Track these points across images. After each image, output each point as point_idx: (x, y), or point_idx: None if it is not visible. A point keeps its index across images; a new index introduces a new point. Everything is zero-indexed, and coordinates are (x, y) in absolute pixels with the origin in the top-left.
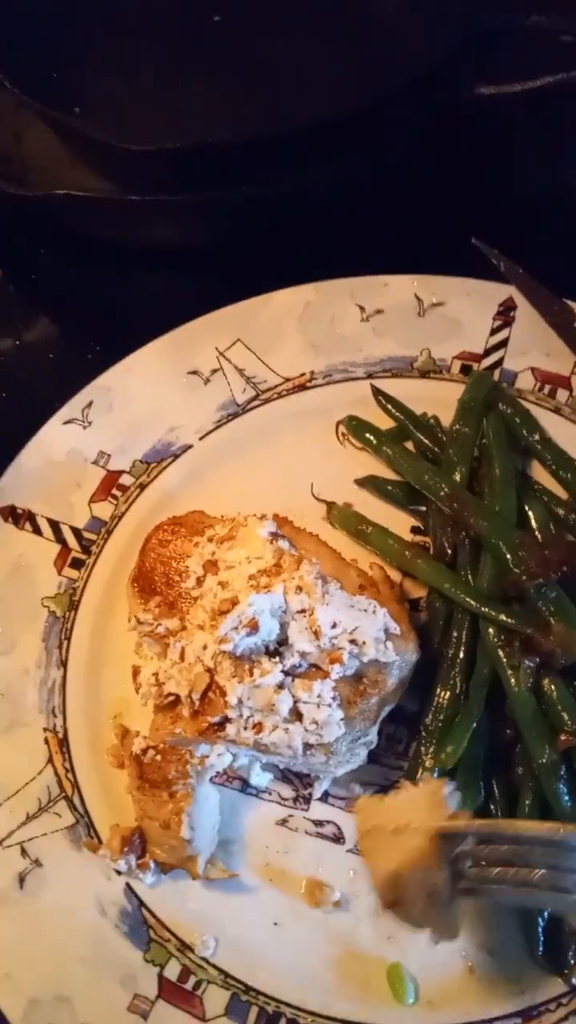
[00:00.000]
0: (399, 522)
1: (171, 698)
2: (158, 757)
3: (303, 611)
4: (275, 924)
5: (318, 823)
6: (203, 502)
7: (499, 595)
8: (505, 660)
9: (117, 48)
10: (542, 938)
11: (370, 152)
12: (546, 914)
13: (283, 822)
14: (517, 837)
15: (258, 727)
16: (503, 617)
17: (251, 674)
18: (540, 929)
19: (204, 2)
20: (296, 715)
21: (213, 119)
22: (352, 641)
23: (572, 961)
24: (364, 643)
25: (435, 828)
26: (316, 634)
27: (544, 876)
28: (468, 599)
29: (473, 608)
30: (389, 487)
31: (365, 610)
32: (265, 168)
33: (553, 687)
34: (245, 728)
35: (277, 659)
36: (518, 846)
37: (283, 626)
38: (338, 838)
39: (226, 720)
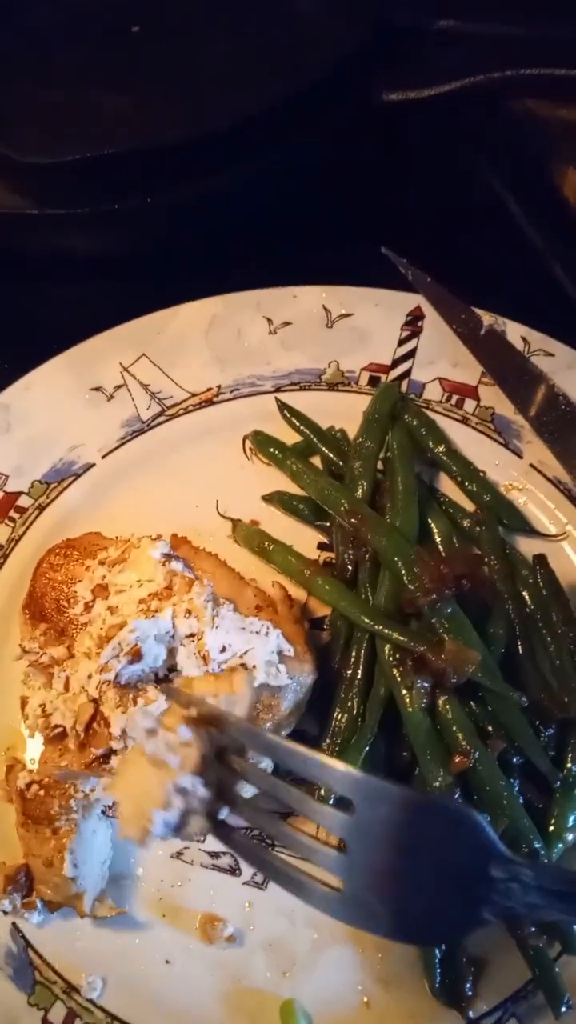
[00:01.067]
0: (307, 539)
1: (58, 730)
2: (41, 792)
3: (192, 635)
4: (167, 962)
5: (214, 855)
6: (105, 523)
7: (397, 613)
8: (399, 679)
9: (28, 61)
10: (439, 970)
11: (278, 161)
12: (444, 946)
13: (178, 855)
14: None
15: None
16: (396, 635)
17: (135, 703)
18: (437, 961)
19: (123, 14)
20: None
21: (116, 129)
22: (242, 665)
23: (469, 993)
24: (255, 667)
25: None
26: (204, 659)
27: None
28: (363, 617)
29: (367, 626)
30: (295, 503)
31: (257, 632)
32: (168, 177)
33: (448, 707)
34: None
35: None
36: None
37: (171, 652)
38: (234, 870)
39: (111, 752)
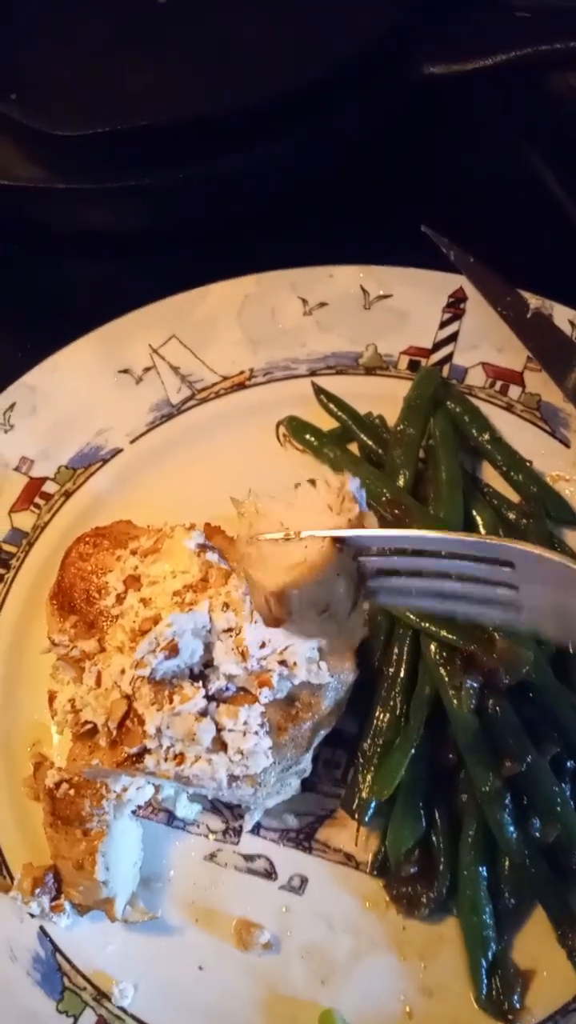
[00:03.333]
0: None
1: (88, 726)
2: (71, 791)
3: (229, 630)
4: (200, 968)
5: (248, 858)
6: (134, 510)
7: None
8: (447, 679)
9: (58, 32)
10: (485, 980)
11: (313, 135)
12: (491, 954)
13: (211, 857)
14: (426, 541)
15: (179, 758)
16: (444, 632)
17: (171, 700)
18: (484, 970)
19: None
20: (220, 744)
21: (148, 101)
22: (282, 662)
23: (517, 1005)
24: (295, 664)
25: (332, 535)
26: (243, 655)
27: (456, 587)
28: (408, 613)
29: (412, 622)
30: None
31: None
32: (202, 152)
33: (498, 708)
34: (165, 759)
35: (200, 683)
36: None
37: (208, 647)
38: (269, 874)
39: (145, 751)
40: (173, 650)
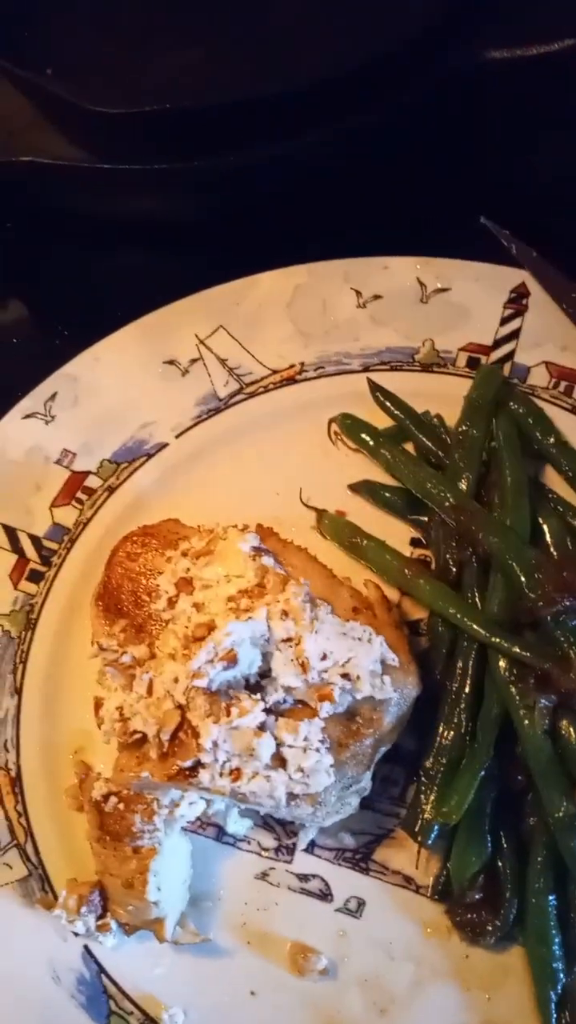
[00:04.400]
0: (397, 533)
1: (137, 736)
2: (121, 805)
3: (289, 640)
4: (252, 993)
5: (303, 877)
6: (179, 508)
7: (511, 622)
8: (518, 698)
9: (95, 6)
10: (555, 1014)
11: (369, 120)
12: (560, 987)
13: (263, 875)
14: None
15: (235, 774)
16: (516, 649)
17: (228, 713)
18: (552, 1004)
19: None
20: (279, 761)
21: (197, 81)
22: (344, 675)
23: None
24: (358, 677)
25: None
26: (303, 667)
27: None
28: (476, 627)
29: (482, 637)
30: (386, 494)
31: (359, 638)
32: (253, 135)
33: (572, 730)
34: (221, 775)
35: (258, 695)
36: None
37: (266, 656)
38: (325, 895)
39: (199, 765)
40: (231, 660)
